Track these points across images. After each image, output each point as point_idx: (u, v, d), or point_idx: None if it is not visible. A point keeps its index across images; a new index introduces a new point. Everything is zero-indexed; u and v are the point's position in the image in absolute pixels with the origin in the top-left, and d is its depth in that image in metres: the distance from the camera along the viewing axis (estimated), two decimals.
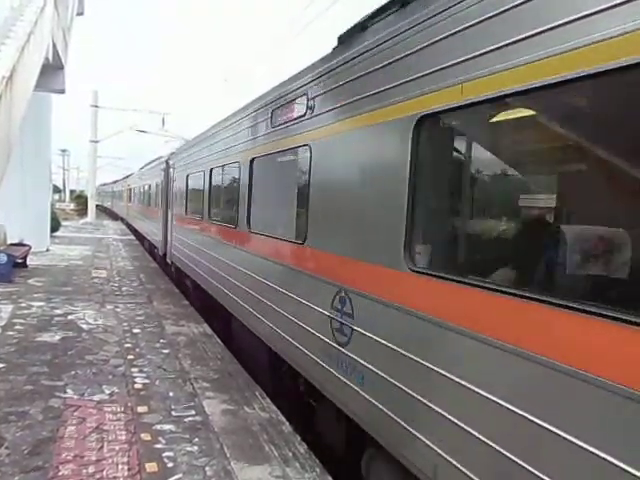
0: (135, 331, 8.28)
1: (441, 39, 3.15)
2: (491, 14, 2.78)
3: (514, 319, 2.57)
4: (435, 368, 3.02)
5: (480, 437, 2.71)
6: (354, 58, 4.22)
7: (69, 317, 8.88)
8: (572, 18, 2.30)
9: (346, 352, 4.06)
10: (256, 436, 4.83)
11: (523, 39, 2.56)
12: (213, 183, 9.23)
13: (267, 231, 6.25)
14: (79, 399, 5.43)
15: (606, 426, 2.13)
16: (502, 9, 2.71)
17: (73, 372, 6.20)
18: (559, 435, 2.29)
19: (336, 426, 4.59)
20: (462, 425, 2.82)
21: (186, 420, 5.07)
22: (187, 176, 11.64)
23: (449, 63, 3.04)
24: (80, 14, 16.32)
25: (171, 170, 14.32)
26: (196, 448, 4.52)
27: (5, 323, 8.23)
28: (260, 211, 6.75)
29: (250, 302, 6.58)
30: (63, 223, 28.56)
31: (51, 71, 12.37)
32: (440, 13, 3.16)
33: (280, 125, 5.80)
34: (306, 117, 5.08)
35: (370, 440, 3.77)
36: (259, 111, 6.60)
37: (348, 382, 4.00)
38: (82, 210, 46.23)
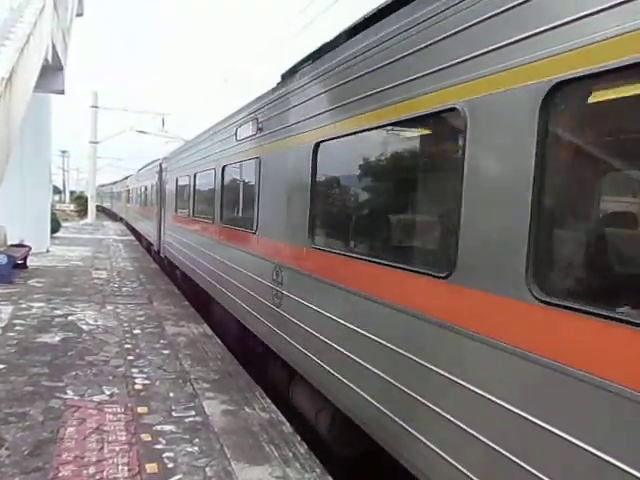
0: (135, 332, 8.28)
1: (326, 91, 4.69)
2: (363, 72, 4.01)
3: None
4: (326, 313, 4.49)
5: (371, 368, 3.87)
6: (281, 96, 5.76)
7: (69, 318, 8.89)
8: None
9: (279, 311, 5.57)
10: (256, 436, 4.84)
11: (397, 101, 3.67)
12: (197, 185, 10.69)
13: (233, 224, 7.82)
14: (79, 400, 5.43)
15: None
16: (373, 68, 3.89)
17: (73, 373, 6.20)
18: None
19: (280, 369, 5.91)
20: (351, 356, 4.11)
21: (186, 421, 5.08)
22: (176, 179, 13.22)
23: (332, 107, 4.55)
24: (79, 15, 16.31)
25: (164, 173, 15.78)
26: (196, 449, 4.52)
27: (5, 324, 8.23)
28: (229, 209, 8.37)
29: (220, 282, 8.18)
30: (63, 224, 28.57)
31: (51, 72, 12.36)
32: (324, 74, 4.73)
33: (241, 140, 7.25)
34: (257, 135, 6.55)
35: (296, 373, 5.28)
36: (227, 128, 8.07)
37: (281, 333, 5.49)
38: (82, 211, 46.23)
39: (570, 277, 2.64)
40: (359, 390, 3.90)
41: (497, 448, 2.63)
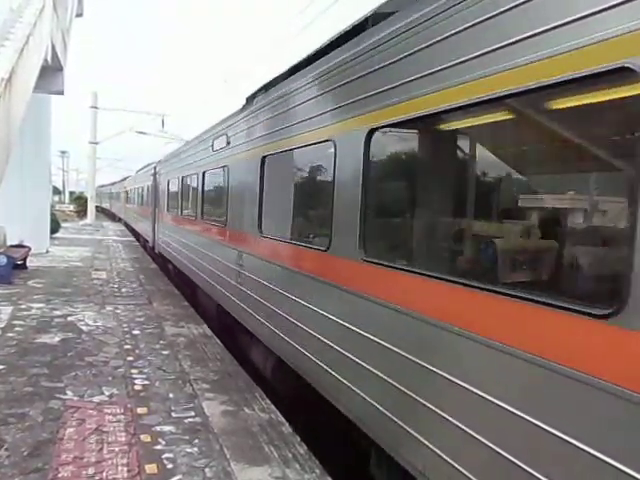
0: (135, 332, 8.28)
1: (268, 117, 6.28)
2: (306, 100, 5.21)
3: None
4: (269, 285, 5.90)
5: (297, 323, 5.12)
6: (242, 117, 7.38)
7: (69, 319, 8.88)
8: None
9: (241, 287, 7.04)
10: (256, 437, 4.83)
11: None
12: (184, 188, 12.32)
13: (210, 220, 9.42)
14: (79, 400, 5.43)
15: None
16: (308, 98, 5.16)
17: (73, 374, 6.20)
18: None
19: (243, 335, 7.32)
20: (285, 315, 5.37)
21: (186, 421, 5.07)
22: (168, 181, 14.79)
23: (272, 130, 6.04)
24: (79, 15, 16.31)
25: (158, 176, 17.31)
26: (196, 449, 4.52)
27: (5, 325, 8.23)
28: (208, 208, 9.87)
29: (200, 268, 9.84)
30: (63, 224, 28.55)
31: (50, 73, 12.36)
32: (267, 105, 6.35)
33: (216, 151, 8.86)
34: (227, 147, 8.15)
35: (254, 335, 6.64)
36: (207, 140, 9.70)
37: (243, 305, 6.92)
38: (82, 211, 46.22)
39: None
40: (292, 342, 5.26)
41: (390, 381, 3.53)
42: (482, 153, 3.70)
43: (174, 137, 34.35)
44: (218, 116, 9.67)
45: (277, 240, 5.88)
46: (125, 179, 40.85)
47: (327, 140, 4.63)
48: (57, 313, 9.23)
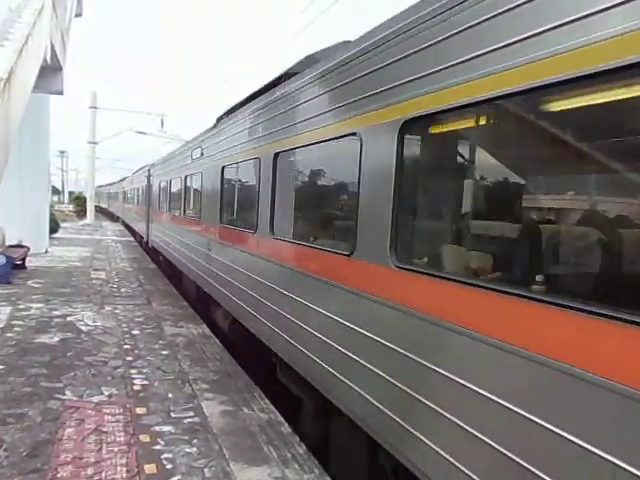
0: (134, 332, 8.28)
1: (226, 137, 8.27)
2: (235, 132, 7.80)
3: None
4: (227, 262, 7.79)
5: (245, 290, 6.92)
6: (211, 135, 9.48)
7: (68, 319, 8.88)
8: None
9: (210, 267, 8.96)
10: (255, 437, 4.84)
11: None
12: (172, 188, 14.33)
13: (190, 215, 11.46)
14: (78, 401, 5.43)
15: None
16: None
17: (72, 374, 6.20)
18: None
19: (213, 305, 9.28)
20: (241, 286, 7.10)
21: (185, 421, 5.08)
22: (159, 183, 16.90)
23: (229, 146, 8.03)
24: (78, 15, 16.29)
25: (151, 177, 19.30)
26: (195, 449, 4.52)
27: (4, 325, 8.22)
28: (190, 205, 11.85)
29: (181, 256, 12.00)
30: (62, 224, 28.52)
31: (49, 72, 12.35)
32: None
33: (194, 159, 10.98)
34: (201, 157, 10.26)
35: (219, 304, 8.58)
36: (188, 150, 11.94)
37: (212, 282, 8.79)
38: (81, 211, 46.18)
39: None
40: (244, 305, 6.86)
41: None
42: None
43: (173, 137, 34.34)
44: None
45: (230, 227, 8.11)
46: (123, 180, 42.03)
47: (256, 158, 6.62)
48: (56, 313, 9.23)
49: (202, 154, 10.04)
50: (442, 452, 3.02)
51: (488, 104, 2.91)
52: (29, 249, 14.59)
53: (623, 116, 2.58)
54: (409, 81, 3.43)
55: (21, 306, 9.61)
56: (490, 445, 2.70)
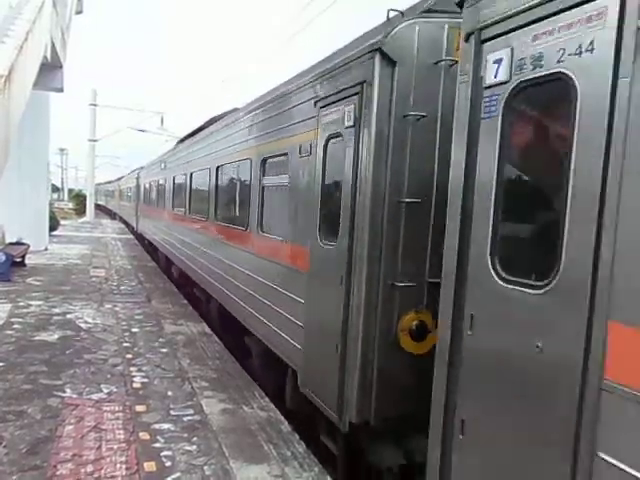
0: (134, 330, 8.28)
1: (179, 158, 13.01)
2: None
3: None
4: (175, 234, 12.75)
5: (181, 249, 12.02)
6: (172, 154, 14.71)
7: (67, 316, 8.88)
8: None
9: (171, 241, 13.22)
10: (255, 435, 4.84)
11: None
12: (151, 188, 18.77)
13: (165, 207, 14.75)
14: (77, 398, 5.42)
15: None
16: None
17: (71, 371, 6.20)
18: None
19: (174, 268, 13.27)
20: (181, 247, 12.04)
21: (185, 419, 5.07)
22: (144, 184, 21.51)
23: (181, 164, 12.51)
24: (79, 12, 16.29)
25: (139, 179, 23.78)
26: (194, 447, 4.52)
27: (3, 322, 8.22)
28: (161, 199, 15.73)
29: (160, 239, 15.52)
30: (62, 222, 28.52)
31: (49, 70, 12.36)
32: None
33: (162, 169, 15.49)
34: (166, 168, 14.83)
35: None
36: (161, 162, 16.27)
37: (171, 250, 13.23)
38: (80, 209, 46.14)
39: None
40: (185, 260, 11.09)
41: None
42: None
43: (172, 135, 34.28)
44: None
45: (178, 213, 12.27)
46: (120, 179, 45.37)
47: (184, 173, 11.64)
48: (56, 311, 9.23)
49: (167, 167, 14.63)
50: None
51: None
52: (29, 247, 14.58)
53: None
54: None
55: (21, 303, 9.61)
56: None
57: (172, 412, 5.23)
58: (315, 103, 4.53)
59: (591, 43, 2.12)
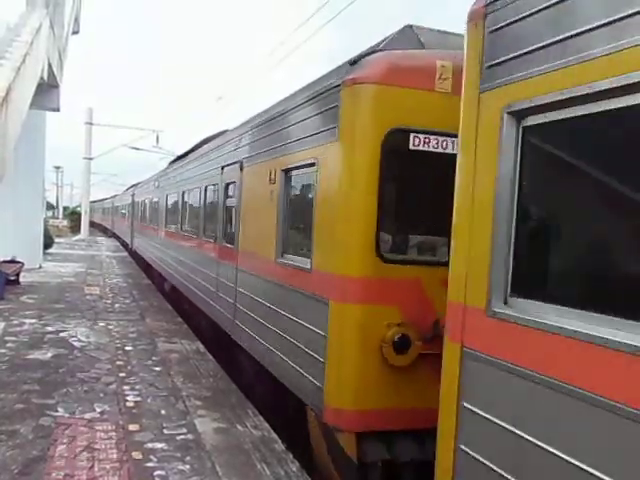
0: (127, 348, 8.26)
1: (171, 178, 14.78)
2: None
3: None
4: (153, 243, 17.06)
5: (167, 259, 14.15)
6: (163, 174, 16.50)
7: (61, 334, 8.85)
8: None
9: (148, 247, 18.47)
10: (248, 454, 4.83)
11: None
12: (144, 206, 20.40)
13: (154, 224, 16.78)
14: (70, 417, 5.41)
15: None
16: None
17: (64, 390, 6.18)
18: None
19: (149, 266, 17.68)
20: (162, 256, 14.72)
21: (178, 438, 5.07)
22: (138, 201, 23.13)
23: (173, 183, 14.22)
24: (75, 33, 16.48)
25: (134, 197, 25.38)
26: (188, 467, 4.51)
27: None
28: (155, 217, 16.88)
29: (155, 256, 16.24)
30: (56, 240, 28.45)
31: (46, 89, 12.45)
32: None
33: (157, 187, 17.03)
34: (158, 188, 16.60)
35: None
36: (154, 181, 18.07)
37: (149, 255, 18.18)
38: (75, 226, 46.05)
39: None
40: (166, 268, 13.67)
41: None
42: None
43: (168, 153, 34.44)
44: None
45: (151, 226, 16.39)
46: (114, 197, 47.17)
47: (176, 191, 13.09)
48: (49, 329, 9.20)
49: (159, 186, 16.35)
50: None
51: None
52: (23, 265, 14.55)
53: None
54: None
55: (14, 322, 9.58)
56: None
57: (165, 431, 5.22)
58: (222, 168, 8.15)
59: None
